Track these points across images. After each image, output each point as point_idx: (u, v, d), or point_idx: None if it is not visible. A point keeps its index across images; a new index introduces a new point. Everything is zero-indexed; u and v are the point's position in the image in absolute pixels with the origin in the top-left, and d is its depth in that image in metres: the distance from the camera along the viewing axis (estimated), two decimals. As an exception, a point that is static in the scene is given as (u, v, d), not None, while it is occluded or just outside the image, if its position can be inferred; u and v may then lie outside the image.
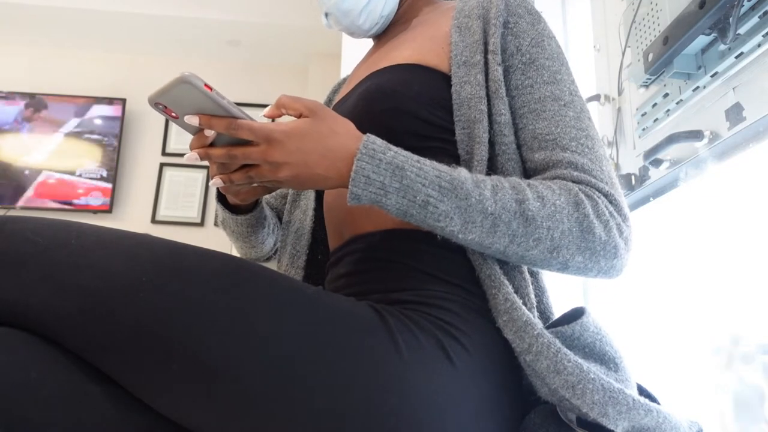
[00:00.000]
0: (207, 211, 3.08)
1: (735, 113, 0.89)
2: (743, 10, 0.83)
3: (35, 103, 3.07)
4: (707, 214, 1.10)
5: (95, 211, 2.99)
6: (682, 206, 1.14)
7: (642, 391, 0.60)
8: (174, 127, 3.17)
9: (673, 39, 0.94)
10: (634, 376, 0.59)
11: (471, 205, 0.56)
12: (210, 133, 0.57)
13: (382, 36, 0.88)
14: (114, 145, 3.06)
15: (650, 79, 1.09)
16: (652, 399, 0.59)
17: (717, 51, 0.92)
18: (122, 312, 0.48)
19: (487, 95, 0.67)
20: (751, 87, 0.87)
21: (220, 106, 0.55)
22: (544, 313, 0.66)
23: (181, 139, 3.18)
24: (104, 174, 3.03)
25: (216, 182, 0.61)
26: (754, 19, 0.82)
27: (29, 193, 2.98)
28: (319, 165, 0.57)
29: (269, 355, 0.49)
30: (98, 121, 3.08)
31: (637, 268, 0.90)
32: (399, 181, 0.56)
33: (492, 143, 0.66)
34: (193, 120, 0.56)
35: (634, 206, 1.22)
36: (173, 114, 0.57)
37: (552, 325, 0.58)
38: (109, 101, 3.11)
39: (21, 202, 2.96)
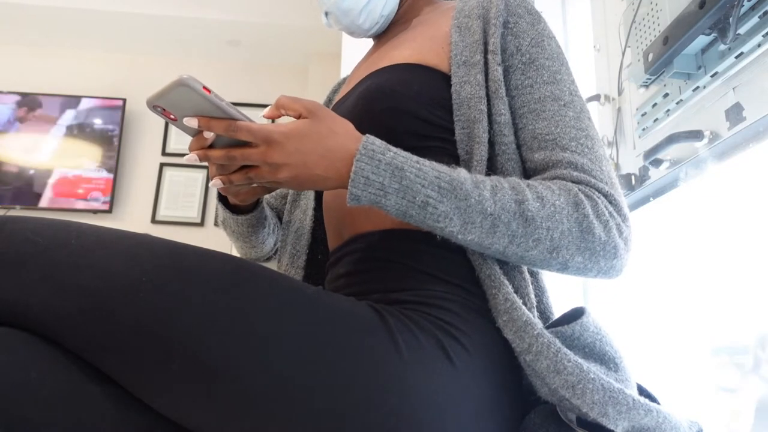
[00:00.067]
0: (207, 211, 3.08)
1: (735, 113, 0.89)
2: (743, 10, 0.83)
3: (30, 101, 3.07)
4: (707, 214, 1.10)
5: (95, 211, 3.00)
6: (682, 206, 1.14)
7: (642, 391, 0.60)
8: (174, 128, 3.17)
9: (673, 39, 0.94)
10: (634, 376, 0.59)
11: (470, 206, 0.56)
12: (209, 135, 0.57)
13: (382, 36, 0.88)
14: (114, 145, 3.06)
15: (650, 79, 1.09)
16: (652, 399, 0.59)
17: (717, 51, 0.92)
18: (122, 312, 0.48)
19: (487, 95, 0.67)
20: (751, 87, 0.87)
21: (219, 108, 0.55)
22: (544, 313, 0.66)
23: (181, 139, 3.18)
24: (104, 174, 3.03)
25: (215, 183, 0.61)
26: (754, 19, 0.82)
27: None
28: (318, 165, 0.57)
29: (269, 355, 0.49)
30: (98, 121, 3.08)
31: (637, 268, 0.90)
32: (398, 182, 0.56)
33: (492, 143, 0.66)
34: (192, 122, 0.56)
35: (634, 206, 1.22)
36: (172, 116, 0.57)
37: (552, 325, 0.58)
38: (109, 101, 3.11)
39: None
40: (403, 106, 0.68)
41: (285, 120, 0.57)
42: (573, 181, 0.61)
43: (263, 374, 0.49)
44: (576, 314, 0.59)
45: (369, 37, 0.88)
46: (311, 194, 0.85)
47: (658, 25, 1.05)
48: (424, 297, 0.60)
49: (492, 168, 0.66)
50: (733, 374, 1.04)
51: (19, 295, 0.48)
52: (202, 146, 0.58)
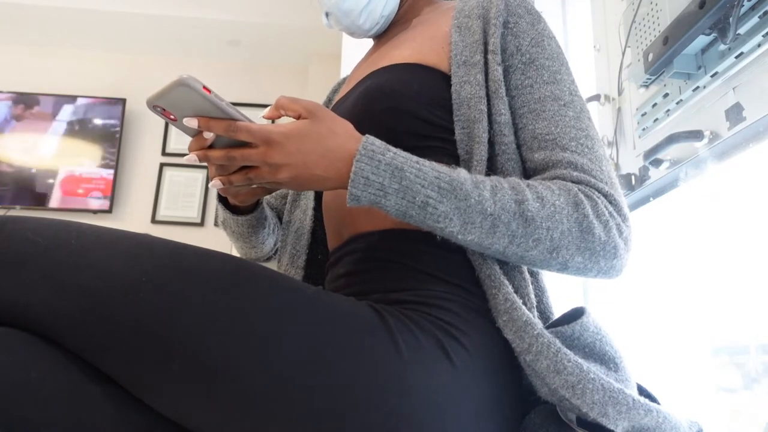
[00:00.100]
0: (207, 211, 3.08)
1: (735, 113, 0.89)
2: (743, 10, 0.83)
3: (27, 99, 3.07)
4: (707, 214, 1.10)
5: (95, 211, 3.00)
6: (682, 206, 1.14)
7: (642, 391, 0.60)
8: (174, 128, 3.16)
9: (673, 39, 0.94)
10: (634, 376, 0.59)
11: (470, 206, 0.56)
12: (209, 135, 0.57)
13: (382, 36, 0.88)
14: (114, 145, 3.06)
15: (650, 79, 1.09)
16: (652, 399, 0.59)
17: (717, 51, 0.92)
18: (122, 312, 0.48)
19: (487, 95, 0.67)
20: (751, 87, 0.87)
21: (219, 108, 0.55)
22: (544, 313, 0.66)
23: (181, 139, 3.18)
24: (104, 174, 3.03)
25: (215, 184, 0.61)
26: (754, 19, 0.82)
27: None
28: (318, 166, 0.57)
29: (269, 355, 0.49)
30: (98, 121, 3.08)
31: (637, 268, 0.90)
32: (398, 182, 0.56)
33: (492, 143, 0.66)
34: (192, 122, 0.56)
35: (634, 206, 1.22)
36: (172, 117, 0.57)
37: (552, 325, 0.58)
38: (109, 101, 3.11)
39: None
40: (403, 106, 0.68)
41: (285, 120, 0.57)
42: (573, 181, 0.61)
43: (263, 374, 0.49)
44: (576, 314, 0.59)
45: (369, 37, 0.88)
46: (311, 194, 0.85)
47: (658, 25, 1.05)
48: (424, 297, 0.60)
49: (492, 168, 0.66)
50: (733, 374, 1.04)
51: (19, 295, 0.48)
52: (202, 146, 0.58)
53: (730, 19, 0.83)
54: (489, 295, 0.59)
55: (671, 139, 1.02)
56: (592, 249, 0.58)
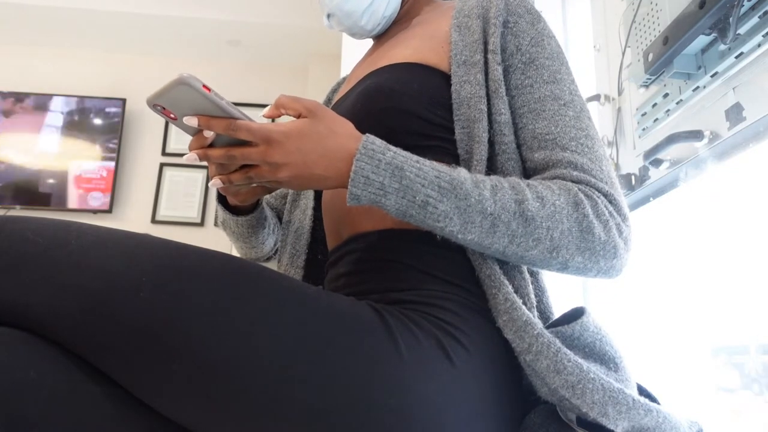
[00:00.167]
0: (207, 211, 3.08)
1: (735, 113, 0.89)
2: (743, 10, 0.83)
3: (25, 99, 3.07)
4: (707, 214, 1.10)
5: (95, 211, 3.00)
6: (682, 206, 1.14)
7: (642, 391, 0.60)
8: (174, 127, 3.17)
9: (673, 39, 0.94)
10: (634, 376, 0.59)
11: (470, 206, 0.56)
12: (209, 134, 0.57)
13: (382, 35, 0.88)
14: (114, 145, 3.06)
15: (650, 79, 1.09)
16: (652, 399, 0.59)
17: (717, 51, 0.92)
18: (122, 312, 0.48)
19: (487, 95, 0.67)
20: (751, 87, 0.87)
21: (219, 107, 0.55)
22: (544, 313, 0.66)
23: (181, 139, 3.18)
24: (104, 174, 3.03)
25: (215, 183, 0.61)
26: (754, 19, 0.82)
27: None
28: (318, 165, 0.57)
29: (269, 355, 0.49)
30: (98, 121, 3.08)
31: (637, 268, 0.90)
32: (398, 182, 0.56)
33: (492, 143, 0.66)
34: (192, 121, 0.56)
35: (634, 206, 1.22)
36: (172, 115, 0.57)
37: (552, 324, 0.58)
38: (109, 101, 3.11)
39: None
40: (403, 106, 0.68)
41: (285, 119, 0.57)
42: (573, 181, 0.61)
43: (263, 374, 0.49)
44: (576, 314, 0.59)
45: (370, 37, 0.88)
46: (311, 194, 0.85)
47: (658, 25, 1.05)
48: (423, 297, 0.60)
49: (492, 167, 0.66)
50: (733, 374, 1.04)
51: (19, 295, 0.48)
52: (202, 145, 0.58)
53: (730, 19, 0.83)
54: (489, 295, 0.59)
55: (671, 139, 1.02)
56: (592, 249, 0.58)
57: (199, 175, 3.13)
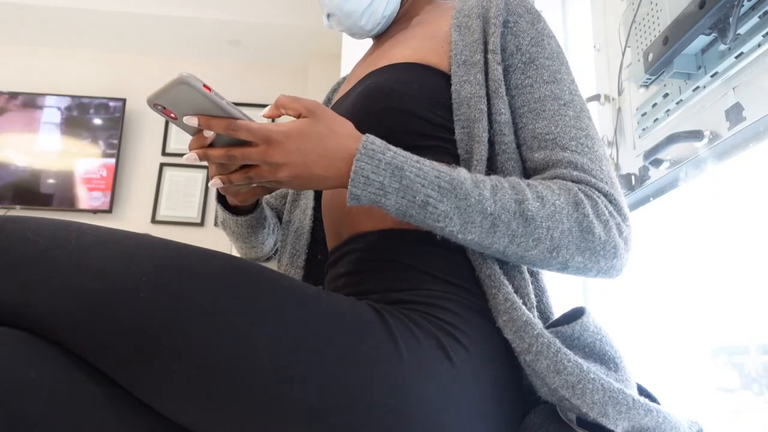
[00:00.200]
0: (207, 211, 3.08)
1: (735, 113, 0.89)
2: (743, 10, 0.83)
3: (23, 98, 3.07)
4: (707, 214, 1.10)
5: (95, 211, 3.00)
6: (682, 206, 1.14)
7: (642, 391, 0.60)
8: (174, 127, 3.17)
9: (673, 39, 0.94)
10: (634, 376, 0.59)
11: (470, 206, 0.56)
12: (209, 134, 0.57)
13: (382, 35, 0.88)
14: (114, 145, 3.06)
15: (650, 79, 1.09)
16: (652, 399, 0.59)
17: (717, 51, 0.92)
18: (122, 312, 0.48)
19: (487, 94, 0.67)
20: (751, 87, 0.87)
21: (219, 106, 0.55)
22: (544, 313, 0.66)
23: (181, 139, 3.18)
24: (104, 174, 3.03)
25: (215, 183, 0.61)
26: (754, 19, 0.82)
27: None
28: (318, 165, 0.57)
29: (269, 355, 0.49)
30: (98, 121, 3.08)
31: (637, 268, 0.90)
32: (398, 182, 0.56)
33: (492, 142, 0.66)
34: (192, 121, 0.56)
35: (634, 206, 1.22)
36: (172, 115, 0.57)
37: (552, 325, 0.58)
38: (109, 101, 3.11)
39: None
40: (403, 106, 0.68)
41: (285, 119, 0.57)
42: (573, 181, 0.61)
43: (263, 374, 0.49)
44: (576, 314, 0.59)
45: (370, 37, 0.88)
46: (311, 194, 0.85)
47: (658, 25, 1.05)
48: (423, 297, 0.60)
49: (492, 167, 0.66)
50: (733, 374, 1.04)
51: (19, 295, 0.48)
52: (202, 145, 0.58)
53: (730, 19, 0.83)
54: (489, 295, 0.59)
55: (671, 139, 1.02)
56: (592, 249, 0.58)
57: (199, 175, 3.13)
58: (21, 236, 0.50)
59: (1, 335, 0.47)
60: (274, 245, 0.93)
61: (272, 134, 0.56)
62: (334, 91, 0.98)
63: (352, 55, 1.73)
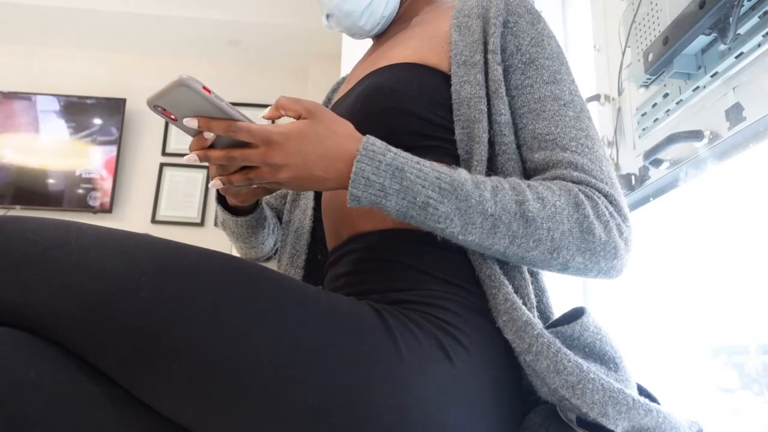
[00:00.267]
0: (207, 211, 3.08)
1: (735, 113, 0.89)
2: (743, 10, 0.83)
3: (30, 101, 3.07)
4: (707, 214, 1.10)
5: (95, 211, 3.00)
6: (682, 206, 1.14)
7: (642, 391, 0.60)
8: (174, 128, 3.17)
9: (673, 39, 0.94)
10: (634, 376, 0.59)
11: (471, 207, 0.56)
12: (209, 135, 0.57)
13: (382, 35, 0.88)
14: (114, 145, 3.06)
15: (650, 79, 1.09)
16: (652, 399, 0.59)
17: (717, 51, 0.92)
18: (122, 312, 0.48)
19: (487, 95, 0.67)
20: (751, 87, 0.87)
21: (219, 108, 0.55)
22: (544, 313, 0.66)
23: (181, 139, 3.18)
24: (104, 174, 3.03)
25: (215, 184, 0.61)
26: (754, 19, 0.82)
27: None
28: (318, 166, 0.57)
29: (269, 355, 0.49)
30: (98, 121, 3.08)
31: (637, 268, 0.90)
32: (399, 183, 0.56)
33: (492, 143, 0.66)
34: (192, 122, 0.56)
35: (634, 206, 1.22)
36: (172, 116, 0.57)
37: (552, 325, 0.58)
38: (109, 101, 3.11)
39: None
40: (403, 106, 0.68)
41: (285, 121, 0.57)
42: (573, 182, 0.61)
43: (263, 374, 0.49)
44: (576, 314, 0.59)
45: (369, 37, 0.88)
46: (311, 194, 0.85)
47: (658, 25, 1.05)
48: (424, 297, 0.60)
49: (492, 168, 0.66)
50: (732, 374, 1.04)
51: (19, 295, 0.48)
52: (203, 146, 0.58)
53: (730, 19, 0.83)
54: (489, 295, 0.59)
55: (671, 139, 1.02)
56: (593, 249, 0.58)
57: (199, 175, 3.13)
58: (21, 236, 0.50)
59: (1, 335, 0.47)
60: (274, 245, 0.93)
61: (272, 135, 0.56)
62: (333, 91, 0.98)
63: (352, 55, 1.73)
